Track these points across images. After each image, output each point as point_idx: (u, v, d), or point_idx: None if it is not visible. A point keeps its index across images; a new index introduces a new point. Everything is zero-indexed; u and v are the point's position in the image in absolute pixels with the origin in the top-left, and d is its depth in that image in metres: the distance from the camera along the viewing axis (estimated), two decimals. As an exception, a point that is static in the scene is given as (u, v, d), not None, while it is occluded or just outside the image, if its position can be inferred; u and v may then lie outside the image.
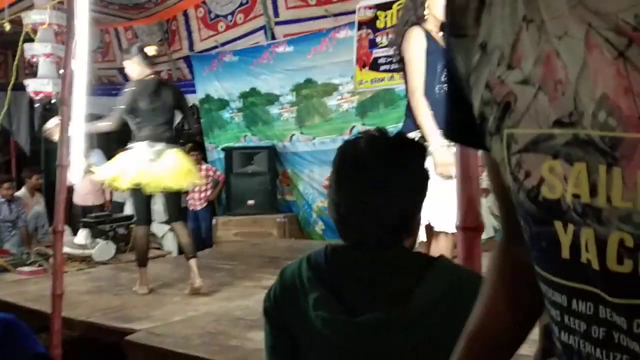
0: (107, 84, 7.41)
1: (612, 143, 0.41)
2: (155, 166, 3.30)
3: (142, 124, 3.37)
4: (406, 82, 2.60)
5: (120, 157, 3.44)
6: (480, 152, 0.63)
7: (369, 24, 5.20)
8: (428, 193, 1.03)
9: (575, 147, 0.43)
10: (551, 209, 0.45)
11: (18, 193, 5.99)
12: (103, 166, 3.56)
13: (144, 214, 3.49)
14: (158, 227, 6.22)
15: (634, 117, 0.39)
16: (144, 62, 3.40)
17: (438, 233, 2.54)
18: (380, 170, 0.97)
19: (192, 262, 3.38)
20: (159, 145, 3.34)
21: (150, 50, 3.40)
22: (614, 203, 0.41)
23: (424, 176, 1.02)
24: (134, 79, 3.44)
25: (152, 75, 3.45)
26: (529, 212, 0.48)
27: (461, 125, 0.56)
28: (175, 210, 3.58)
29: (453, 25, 0.54)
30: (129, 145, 3.43)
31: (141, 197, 3.38)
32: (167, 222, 3.79)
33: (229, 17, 6.32)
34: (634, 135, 0.40)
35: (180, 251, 6.06)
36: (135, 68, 3.42)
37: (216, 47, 6.47)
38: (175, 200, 3.54)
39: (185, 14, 6.58)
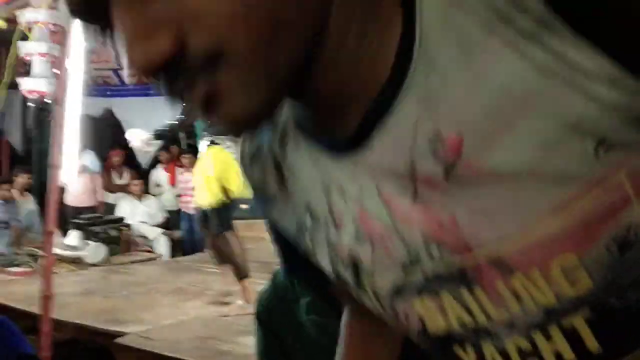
0: (102, 85, 7.38)
1: (459, 271, 0.41)
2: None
3: None
4: None
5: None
6: None
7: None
8: None
9: (431, 282, 0.43)
10: (445, 339, 0.46)
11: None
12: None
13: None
14: (150, 230, 6.19)
15: (458, 243, 0.40)
16: None
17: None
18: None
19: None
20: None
21: None
22: (493, 317, 0.42)
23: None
24: None
25: None
26: (429, 347, 0.48)
27: (304, 265, 0.55)
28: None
29: (256, 193, 0.54)
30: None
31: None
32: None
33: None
34: (470, 257, 0.40)
35: (173, 254, 6.06)
36: None
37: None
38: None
39: (183, 17, 6.57)
